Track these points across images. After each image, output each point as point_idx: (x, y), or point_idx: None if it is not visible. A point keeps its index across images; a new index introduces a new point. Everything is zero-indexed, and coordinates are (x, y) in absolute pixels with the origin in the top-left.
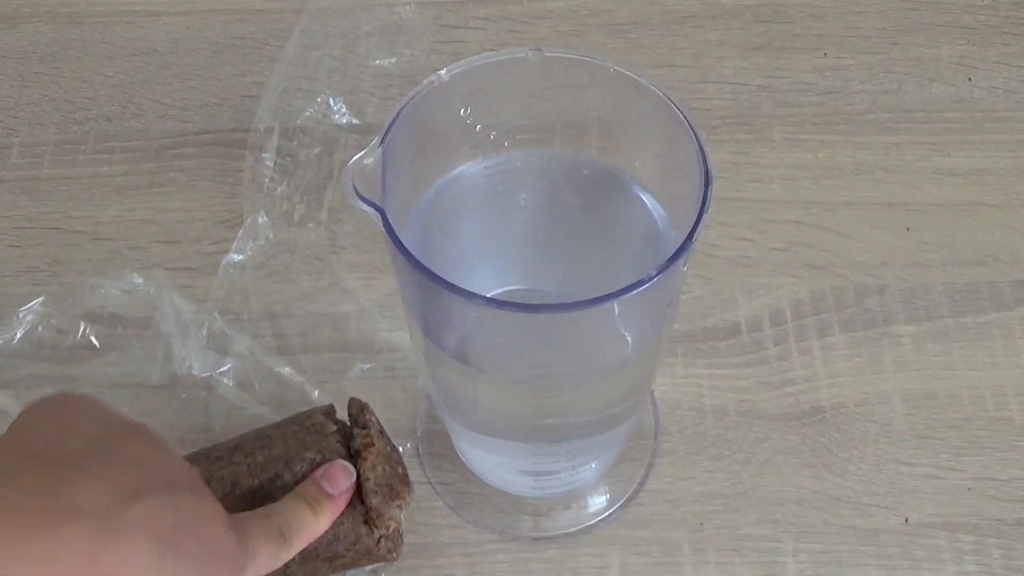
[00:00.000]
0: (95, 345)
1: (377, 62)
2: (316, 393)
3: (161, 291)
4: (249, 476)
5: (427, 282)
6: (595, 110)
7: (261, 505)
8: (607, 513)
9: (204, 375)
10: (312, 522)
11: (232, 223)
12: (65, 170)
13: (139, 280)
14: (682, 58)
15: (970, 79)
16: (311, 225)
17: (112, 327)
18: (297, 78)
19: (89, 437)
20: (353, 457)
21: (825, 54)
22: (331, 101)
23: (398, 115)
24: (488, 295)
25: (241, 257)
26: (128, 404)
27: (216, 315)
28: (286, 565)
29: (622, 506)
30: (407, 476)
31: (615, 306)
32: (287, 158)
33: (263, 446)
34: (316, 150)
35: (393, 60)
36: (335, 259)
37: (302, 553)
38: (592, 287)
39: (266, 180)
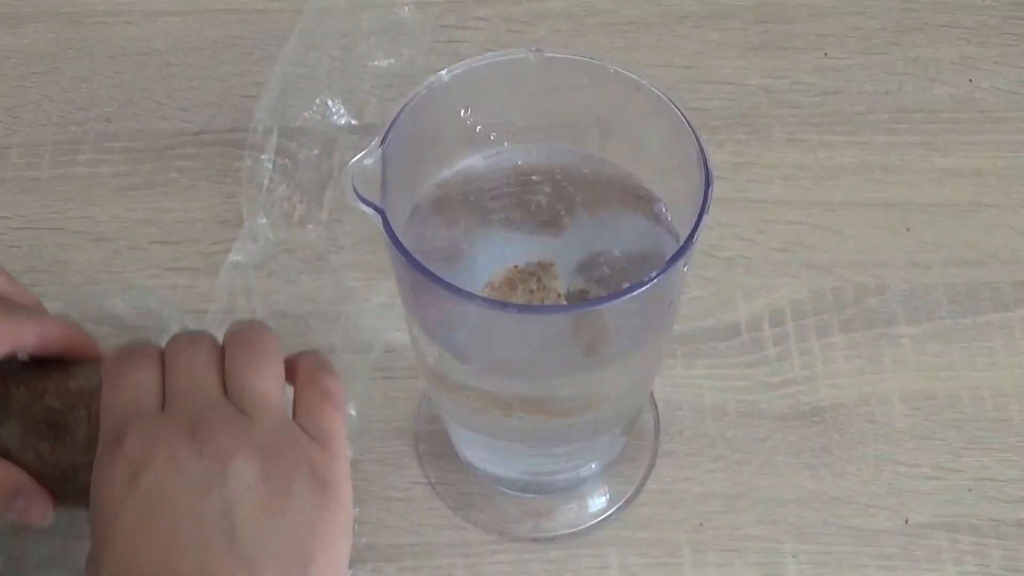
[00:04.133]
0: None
1: (376, 63)
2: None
3: (172, 316)
4: (55, 395)
5: (427, 283)
6: (595, 110)
7: (56, 424)
8: (607, 514)
9: None
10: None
11: (232, 223)
12: (65, 170)
13: (153, 303)
14: (682, 58)
15: (971, 79)
16: (311, 225)
17: (117, 335)
18: (296, 78)
19: None
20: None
21: (825, 54)
22: (330, 102)
23: (398, 116)
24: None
25: (241, 258)
26: None
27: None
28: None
29: (622, 507)
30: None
31: (615, 307)
32: (286, 159)
33: (86, 377)
34: (315, 151)
35: (392, 61)
36: (335, 259)
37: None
38: None
39: (265, 181)
